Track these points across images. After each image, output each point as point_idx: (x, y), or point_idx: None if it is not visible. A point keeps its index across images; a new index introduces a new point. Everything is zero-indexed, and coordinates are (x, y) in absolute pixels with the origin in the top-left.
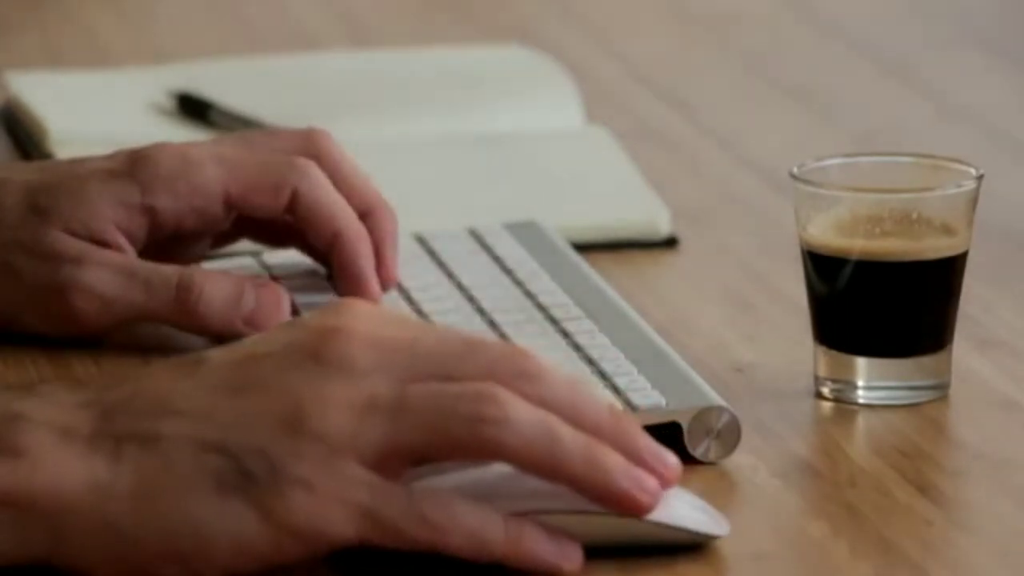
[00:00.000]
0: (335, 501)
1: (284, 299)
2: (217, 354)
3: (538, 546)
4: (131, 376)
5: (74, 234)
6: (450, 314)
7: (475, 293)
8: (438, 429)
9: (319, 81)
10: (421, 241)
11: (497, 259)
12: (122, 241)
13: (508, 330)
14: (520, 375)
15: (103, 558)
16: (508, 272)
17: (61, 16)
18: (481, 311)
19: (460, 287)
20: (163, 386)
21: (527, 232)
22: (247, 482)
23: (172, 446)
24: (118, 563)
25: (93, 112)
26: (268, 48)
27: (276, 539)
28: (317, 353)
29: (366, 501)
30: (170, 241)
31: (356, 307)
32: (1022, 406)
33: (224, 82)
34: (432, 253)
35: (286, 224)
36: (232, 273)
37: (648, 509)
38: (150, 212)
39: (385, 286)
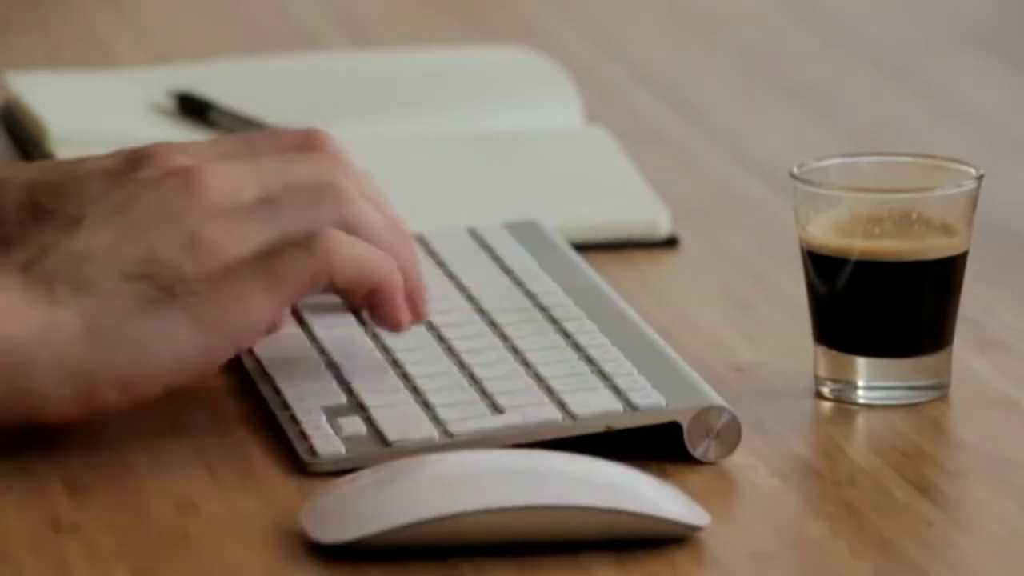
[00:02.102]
0: (244, 287)
1: None
2: (96, 209)
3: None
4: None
5: None
6: (450, 314)
7: (475, 293)
8: (307, 210)
9: (319, 81)
10: (421, 241)
11: (497, 259)
12: None
13: (508, 330)
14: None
15: (56, 393)
16: (508, 272)
17: (61, 16)
18: (481, 311)
19: (460, 287)
20: (67, 238)
21: (527, 232)
22: (169, 295)
23: (99, 282)
24: (69, 396)
25: (93, 112)
26: (268, 48)
27: (207, 340)
28: (183, 185)
29: (266, 270)
30: None
31: (183, 146)
32: (1022, 406)
33: (224, 82)
34: (432, 253)
35: None
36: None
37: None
38: None
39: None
